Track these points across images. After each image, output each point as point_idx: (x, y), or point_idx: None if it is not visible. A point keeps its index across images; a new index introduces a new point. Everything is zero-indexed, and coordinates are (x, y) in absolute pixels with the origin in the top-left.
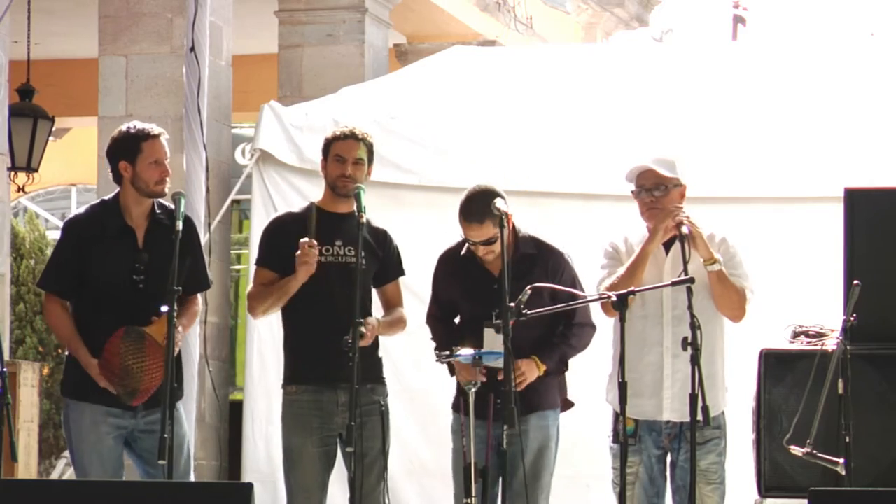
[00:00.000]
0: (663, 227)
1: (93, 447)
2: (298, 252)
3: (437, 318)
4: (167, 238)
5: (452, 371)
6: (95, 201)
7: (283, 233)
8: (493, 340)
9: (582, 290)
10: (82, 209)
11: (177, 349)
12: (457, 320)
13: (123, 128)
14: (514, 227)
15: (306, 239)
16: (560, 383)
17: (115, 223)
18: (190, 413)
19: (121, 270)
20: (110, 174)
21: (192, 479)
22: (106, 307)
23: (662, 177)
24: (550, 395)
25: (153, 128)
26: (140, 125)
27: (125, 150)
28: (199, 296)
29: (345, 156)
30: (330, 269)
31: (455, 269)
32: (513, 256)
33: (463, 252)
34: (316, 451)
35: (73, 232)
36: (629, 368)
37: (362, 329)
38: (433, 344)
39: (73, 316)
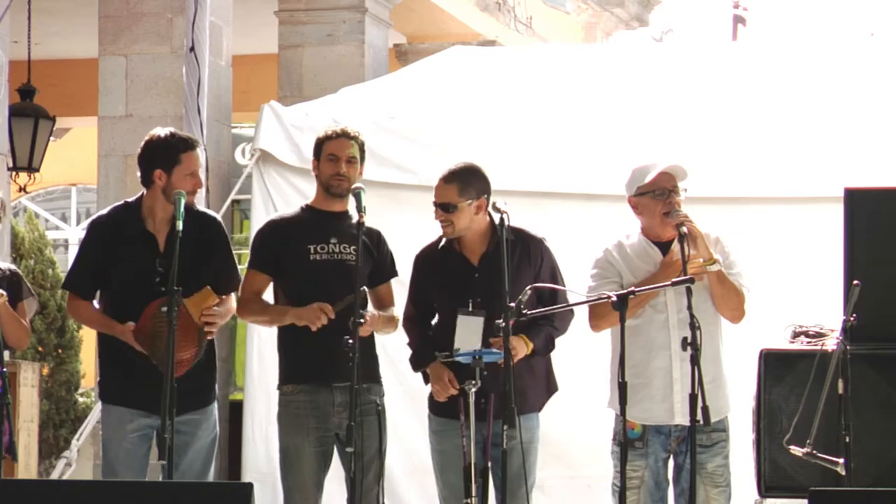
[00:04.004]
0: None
1: (119, 444)
2: (317, 307)
3: (413, 321)
4: (190, 242)
5: (427, 379)
6: (119, 203)
7: (275, 236)
8: (467, 327)
9: (561, 277)
10: (105, 210)
11: (215, 330)
12: (433, 322)
13: (161, 134)
14: (490, 216)
15: (329, 307)
16: (548, 382)
17: (134, 227)
18: None
19: (141, 275)
20: (139, 175)
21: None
22: (129, 309)
23: (677, 180)
24: (536, 398)
25: (191, 139)
26: (179, 134)
27: (163, 158)
28: (233, 296)
29: (338, 154)
30: (325, 267)
31: (433, 262)
32: (489, 244)
33: (441, 245)
34: (313, 451)
35: (95, 233)
36: (636, 374)
37: (362, 318)
38: (409, 351)
39: None
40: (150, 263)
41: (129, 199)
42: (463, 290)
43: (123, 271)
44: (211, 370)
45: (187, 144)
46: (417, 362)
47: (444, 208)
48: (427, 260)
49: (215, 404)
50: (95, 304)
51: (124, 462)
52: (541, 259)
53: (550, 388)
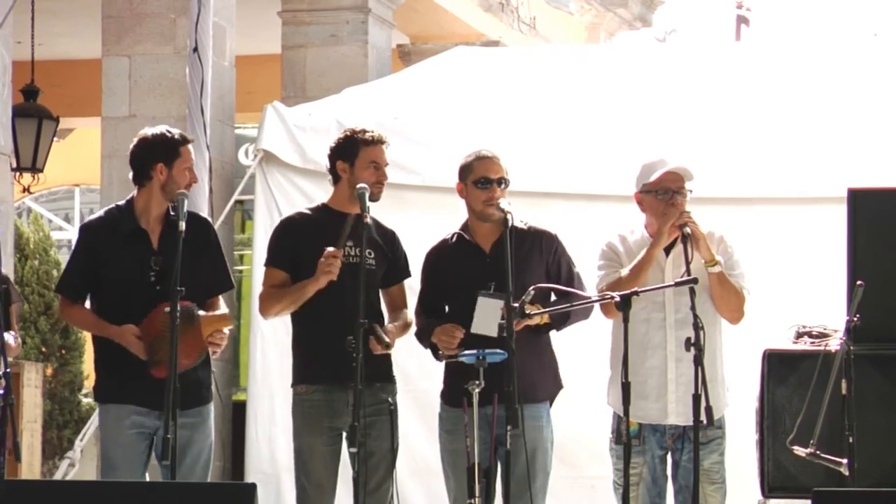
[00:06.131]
0: (668, 230)
1: (115, 440)
2: (323, 259)
3: (422, 314)
4: (184, 243)
5: (436, 356)
6: (110, 206)
7: (293, 233)
8: (486, 308)
9: (578, 274)
10: (97, 214)
11: (218, 353)
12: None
13: (157, 131)
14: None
15: (332, 249)
16: (556, 377)
17: (127, 226)
18: None
19: (136, 272)
20: (132, 175)
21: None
22: (125, 308)
23: (683, 180)
24: (544, 385)
25: (186, 133)
26: (175, 130)
27: (164, 153)
28: (220, 298)
29: (380, 162)
30: (341, 269)
31: (446, 255)
32: (501, 233)
33: (452, 240)
34: (325, 451)
35: (87, 236)
36: (632, 372)
37: (386, 339)
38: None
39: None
40: (145, 261)
41: (120, 202)
42: (476, 276)
43: (118, 270)
44: (205, 368)
45: (184, 139)
46: (423, 334)
47: (500, 183)
48: (440, 253)
49: (212, 405)
50: (87, 305)
51: (122, 458)
52: (555, 253)
53: (557, 383)
